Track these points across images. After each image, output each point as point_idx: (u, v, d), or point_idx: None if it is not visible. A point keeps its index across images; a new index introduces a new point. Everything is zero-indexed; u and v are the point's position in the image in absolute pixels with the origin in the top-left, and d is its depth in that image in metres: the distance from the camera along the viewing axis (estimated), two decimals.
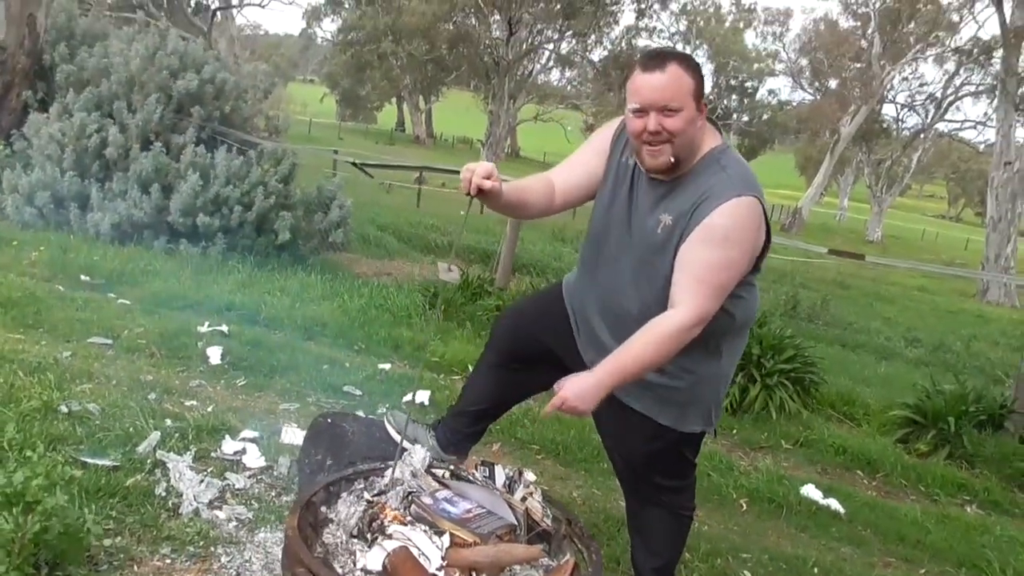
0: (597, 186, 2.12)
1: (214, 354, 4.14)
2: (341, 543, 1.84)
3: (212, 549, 2.38)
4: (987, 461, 4.55)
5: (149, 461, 2.77)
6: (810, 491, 3.79)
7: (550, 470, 3.56)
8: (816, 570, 2.97)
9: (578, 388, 1.88)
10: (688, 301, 1.87)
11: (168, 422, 3.10)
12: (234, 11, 26.61)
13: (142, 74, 6.76)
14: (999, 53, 20.87)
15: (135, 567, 2.23)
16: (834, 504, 3.71)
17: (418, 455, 2.10)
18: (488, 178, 1.92)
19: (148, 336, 4.21)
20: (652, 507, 2.23)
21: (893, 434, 4.91)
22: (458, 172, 2.02)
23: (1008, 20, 18.32)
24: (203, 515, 2.55)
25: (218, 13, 23.83)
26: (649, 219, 1.98)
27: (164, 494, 2.61)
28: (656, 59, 1.88)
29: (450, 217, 13.09)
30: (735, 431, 4.54)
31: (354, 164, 9.45)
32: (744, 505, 3.60)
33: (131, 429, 2.98)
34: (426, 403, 4.01)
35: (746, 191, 1.89)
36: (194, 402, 3.45)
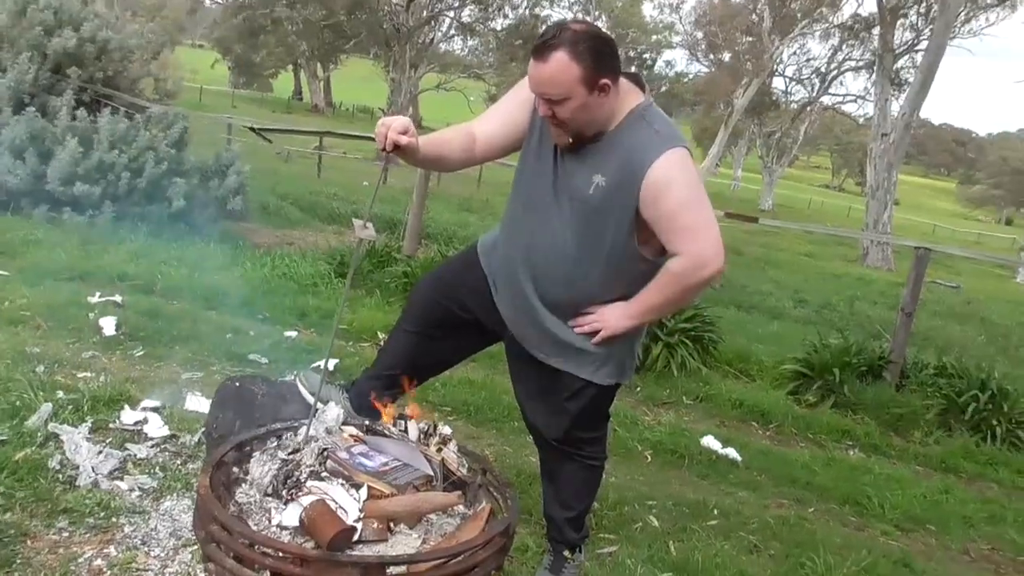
0: (521, 137, 2.11)
1: (108, 325, 3.95)
2: (255, 502, 1.81)
3: (114, 520, 2.31)
4: (867, 408, 4.89)
5: (40, 434, 2.64)
6: (710, 442, 3.98)
7: (462, 430, 3.60)
8: (716, 512, 3.13)
9: (615, 318, 2.05)
10: (678, 248, 1.95)
11: (60, 394, 2.96)
12: None
13: (11, 30, 6.28)
14: (877, 30, 22.08)
15: (28, 542, 2.13)
16: (732, 453, 3.91)
17: (332, 413, 2.08)
18: (404, 133, 1.90)
19: (33, 308, 3.98)
20: (566, 460, 2.30)
21: (784, 387, 5.20)
22: (359, 137, 2.00)
23: None
24: (102, 486, 2.46)
25: None
26: (578, 177, 1.99)
27: (58, 467, 2.50)
28: (542, 48, 1.84)
29: (352, 186, 12.86)
30: (639, 388, 4.71)
31: (252, 129, 9.09)
32: (649, 457, 3.75)
33: (18, 403, 2.83)
34: (333, 370, 3.97)
35: (677, 143, 1.94)
36: (88, 373, 3.29)
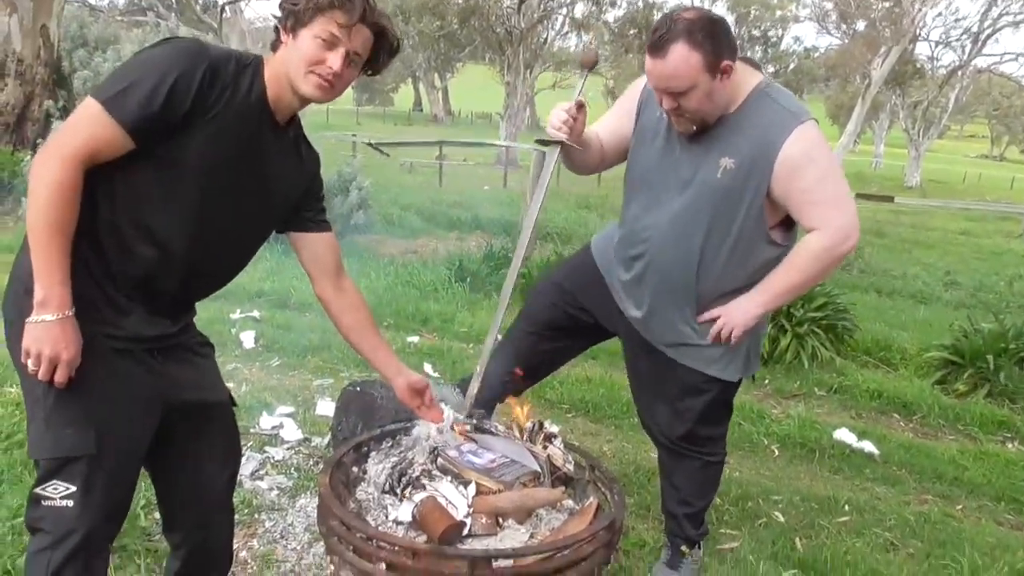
0: (627, 148, 2.18)
1: (247, 339, 4.30)
2: (373, 499, 1.95)
3: (256, 516, 2.53)
4: None
5: None
6: (844, 435, 3.83)
7: (580, 427, 3.66)
8: (848, 508, 3.03)
9: (743, 312, 2.04)
10: (819, 223, 1.94)
11: None
12: (243, 5, 26.74)
13: None
14: None
15: None
16: (868, 446, 3.74)
17: (443, 412, 2.19)
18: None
19: None
20: (686, 458, 2.31)
21: (930, 376, 4.91)
22: (475, 144, 2.14)
23: None
24: (246, 486, 2.70)
25: (227, 8, 24.00)
26: (703, 163, 1.99)
27: None
28: (658, 44, 1.85)
29: (473, 192, 13.16)
30: (767, 381, 4.59)
31: (370, 144, 9.53)
32: (776, 451, 3.66)
33: None
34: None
35: (806, 117, 1.94)
36: (230, 384, 3.59)
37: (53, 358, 1.33)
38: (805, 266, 1.99)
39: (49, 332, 1.32)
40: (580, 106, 2.07)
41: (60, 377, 1.35)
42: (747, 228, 1.99)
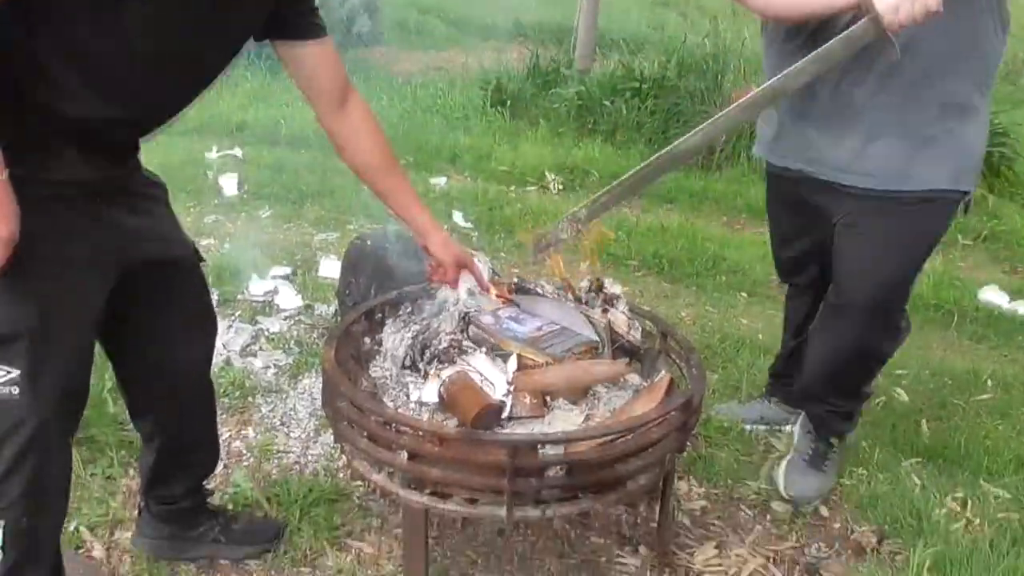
0: None
1: (228, 184, 4.34)
2: (391, 376, 2.00)
3: (250, 400, 2.64)
4: None
5: None
6: (991, 295, 3.79)
7: (652, 288, 3.68)
8: (990, 384, 3.03)
9: None
10: None
11: None
12: None
13: None
14: None
15: None
16: (1023, 309, 3.71)
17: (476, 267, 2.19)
18: None
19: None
20: (864, 329, 2.24)
21: None
22: None
23: None
24: (235, 364, 2.80)
25: None
26: None
27: None
28: None
29: None
30: None
31: None
32: None
33: None
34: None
35: None
36: (211, 240, 3.67)
37: None
38: None
39: None
40: None
41: None
42: None
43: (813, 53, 1.93)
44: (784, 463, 2.41)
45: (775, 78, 2.01)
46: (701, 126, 2.10)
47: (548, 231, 2.17)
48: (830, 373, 2.33)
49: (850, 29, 1.88)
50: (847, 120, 2.09)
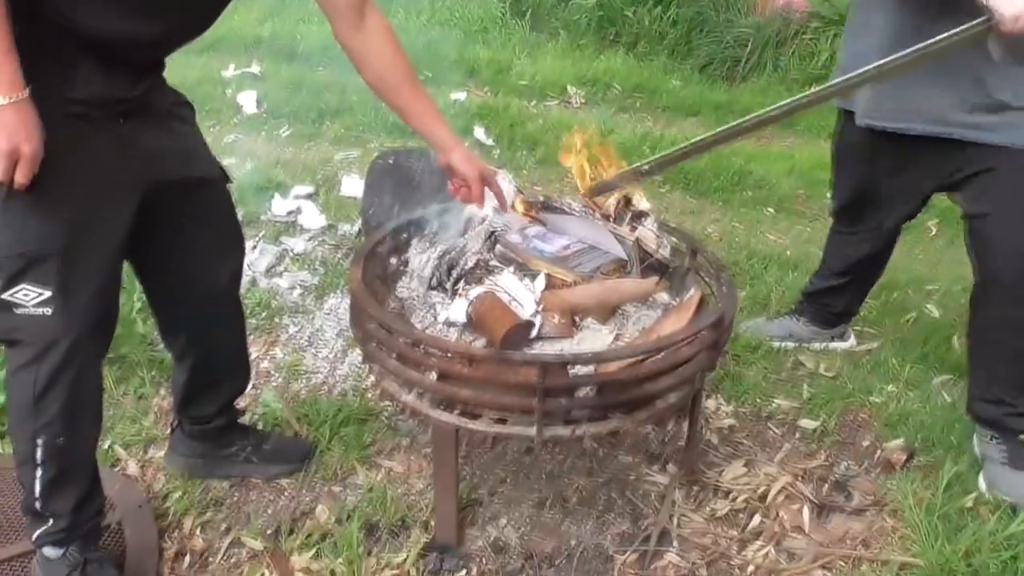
0: None
1: (247, 101, 4.29)
2: (418, 296, 1.99)
3: (276, 320, 2.64)
4: None
5: None
6: None
7: (678, 203, 3.64)
8: None
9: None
10: None
11: None
12: None
13: None
14: None
15: None
16: None
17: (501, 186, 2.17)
18: None
19: None
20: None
21: None
22: None
23: None
24: (261, 284, 2.80)
25: None
26: None
27: None
28: None
29: None
30: None
31: None
32: (934, 229, 3.60)
33: None
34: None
35: None
36: (232, 160, 3.64)
37: (11, 152, 1.32)
38: None
39: (2, 120, 1.30)
40: None
41: (21, 177, 1.34)
42: None
43: (922, 44, 1.83)
44: (983, 475, 2.15)
45: (878, 63, 1.89)
46: (786, 101, 2.02)
47: (609, 181, 2.11)
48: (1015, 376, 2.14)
49: (968, 24, 1.80)
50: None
